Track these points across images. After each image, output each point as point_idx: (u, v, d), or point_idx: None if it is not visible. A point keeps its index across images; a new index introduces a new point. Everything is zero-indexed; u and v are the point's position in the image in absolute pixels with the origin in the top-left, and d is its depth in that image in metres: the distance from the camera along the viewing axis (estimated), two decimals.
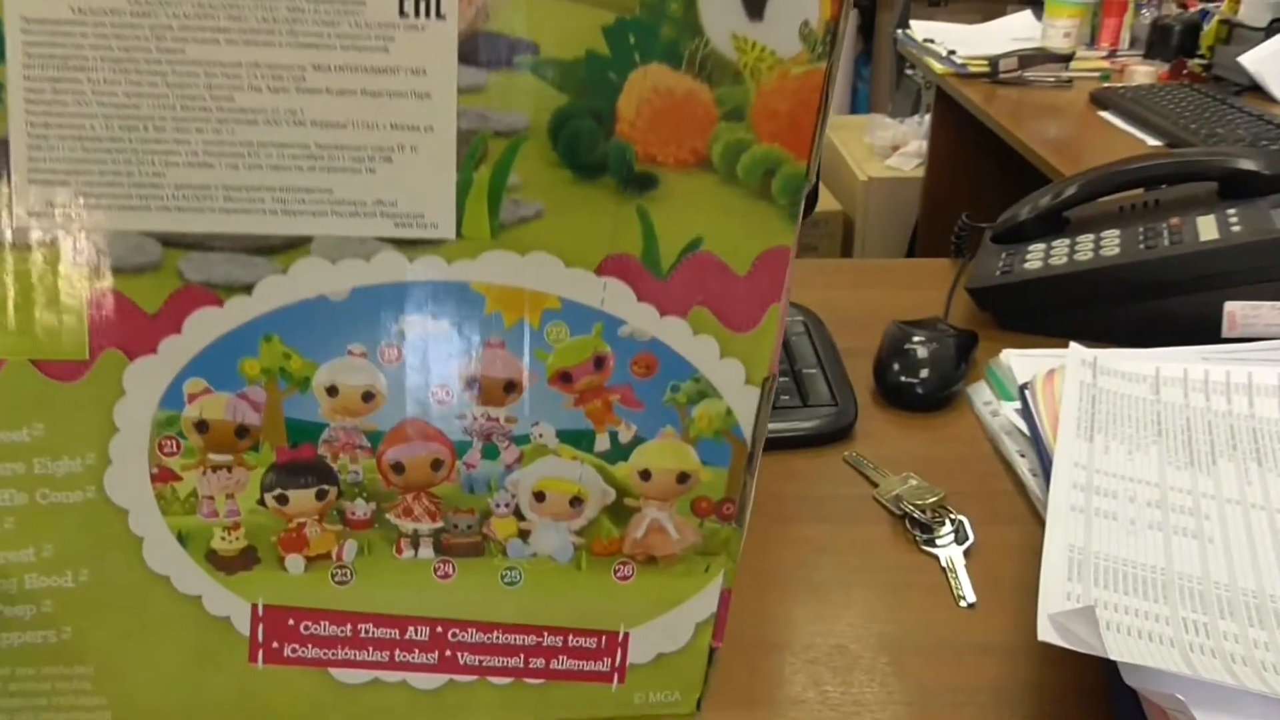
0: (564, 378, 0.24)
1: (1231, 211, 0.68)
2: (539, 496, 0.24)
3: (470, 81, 0.21)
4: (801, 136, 0.22)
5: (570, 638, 0.25)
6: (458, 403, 0.23)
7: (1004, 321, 0.73)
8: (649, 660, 0.26)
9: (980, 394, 0.63)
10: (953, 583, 0.47)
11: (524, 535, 0.25)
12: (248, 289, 0.22)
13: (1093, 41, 1.91)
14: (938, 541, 0.49)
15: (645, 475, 0.24)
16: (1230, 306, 0.65)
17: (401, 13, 0.21)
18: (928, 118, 2.22)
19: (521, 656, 0.25)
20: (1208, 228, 0.67)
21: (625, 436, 0.24)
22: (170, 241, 0.22)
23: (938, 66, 1.87)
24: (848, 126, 2.53)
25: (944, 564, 0.48)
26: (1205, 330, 0.65)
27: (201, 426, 0.23)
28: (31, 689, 0.24)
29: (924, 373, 0.62)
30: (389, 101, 0.21)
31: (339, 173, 0.22)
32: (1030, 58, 1.73)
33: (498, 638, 0.25)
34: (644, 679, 0.26)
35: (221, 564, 0.24)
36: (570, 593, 0.25)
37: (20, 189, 0.21)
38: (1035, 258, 0.72)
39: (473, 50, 0.21)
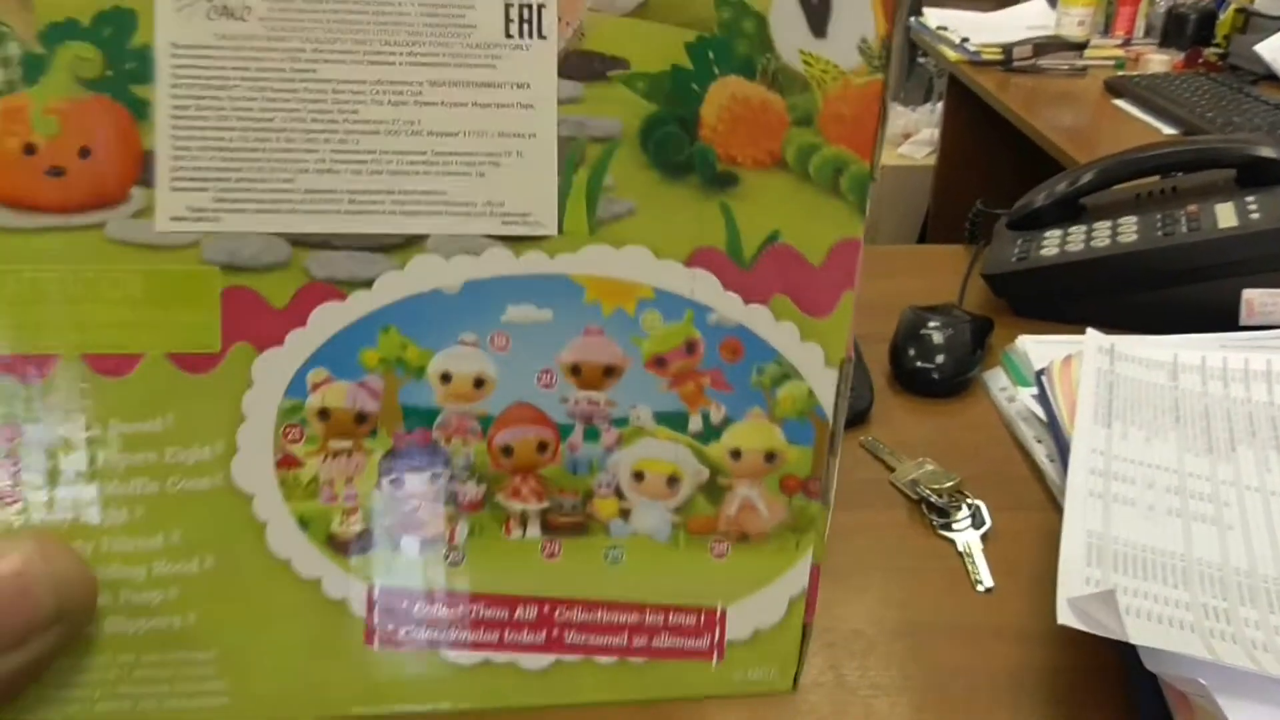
0: (659, 362, 0.25)
1: (1250, 199, 0.67)
2: (638, 476, 0.26)
3: (569, 94, 0.24)
4: (865, 139, 0.24)
5: (671, 615, 0.26)
6: (561, 387, 0.25)
7: (1019, 308, 0.72)
8: (746, 637, 0.26)
9: (996, 380, 0.62)
10: (970, 567, 0.47)
11: (625, 514, 0.26)
12: (368, 284, 0.24)
13: (1107, 30, 1.90)
14: (954, 526, 0.49)
15: (736, 455, 0.26)
16: (1249, 294, 0.65)
17: (508, 35, 0.23)
18: (939, 105, 2.21)
19: (625, 635, 0.26)
20: (1226, 215, 0.67)
21: (716, 417, 0.25)
22: (298, 241, 0.24)
23: (951, 54, 1.86)
24: None
25: (961, 549, 0.48)
26: (1223, 317, 0.65)
27: (323, 414, 0.25)
28: (155, 675, 0.25)
29: (940, 358, 0.62)
30: (496, 112, 0.24)
31: (452, 176, 0.24)
32: (1044, 45, 1.72)
33: (602, 616, 0.26)
34: (742, 656, 0.26)
35: (340, 547, 0.25)
36: (669, 570, 0.26)
37: (163, 196, 0.23)
38: (1051, 244, 0.72)
39: (570, 66, 0.24)
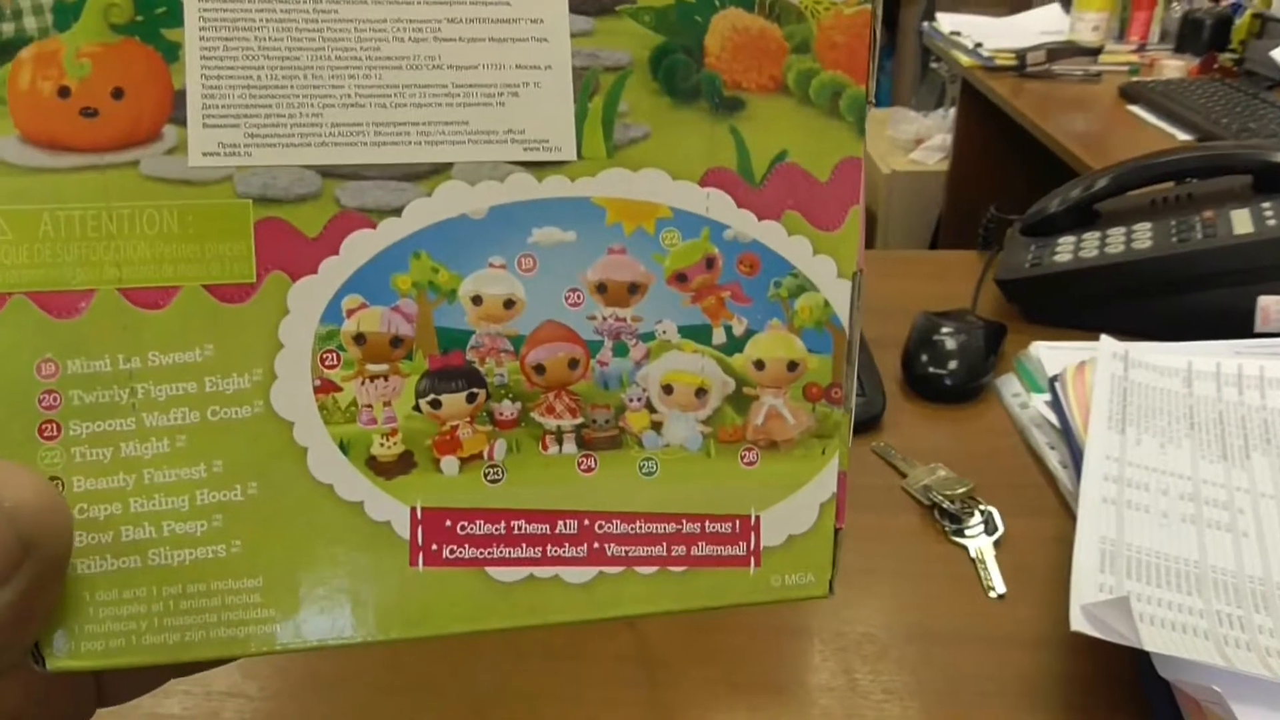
0: (680, 278, 0.26)
1: (1266, 205, 0.67)
2: (667, 389, 0.27)
3: (580, 28, 0.26)
4: (859, 64, 0.26)
5: (707, 524, 0.27)
6: (588, 305, 0.26)
7: (1032, 314, 0.72)
8: (781, 542, 0.27)
9: (1009, 386, 0.62)
10: (982, 573, 0.47)
11: (656, 427, 0.27)
12: (398, 211, 0.25)
13: (1122, 35, 1.89)
14: (967, 532, 0.49)
15: (759, 365, 0.27)
16: (1264, 301, 0.65)
17: None
18: (952, 111, 2.20)
19: (664, 545, 0.27)
20: (1242, 221, 0.66)
21: (738, 330, 0.27)
22: (328, 173, 0.25)
23: (964, 59, 1.85)
24: (870, 120, 2.51)
25: (973, 555, 0.48)
26: (1238, 324, 0.65)
27: (359, 339, 0.25)
28: (202, 605, 0.25)
29: (953, 364, 0.62)
30: (513, 46, 0.25)
31: (473, 107, 0.25)
32: (1058, 51, 1.71)
33: (640, 527, 0.27)
34: (778, 561, 0.27)
35: (381, 469, 0.26)
36: (703, 480, 0.27)
37: (195, 133, 0.24)
38: (1065, 250, 0.72)
39: (580, 1, 0.26)
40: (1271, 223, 0.65)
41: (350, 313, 0.25)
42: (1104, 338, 0.60)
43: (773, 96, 0.26)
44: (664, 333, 0.26)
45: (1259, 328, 0.65)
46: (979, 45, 1.84)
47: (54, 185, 0.24)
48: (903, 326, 0.65)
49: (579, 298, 0.26)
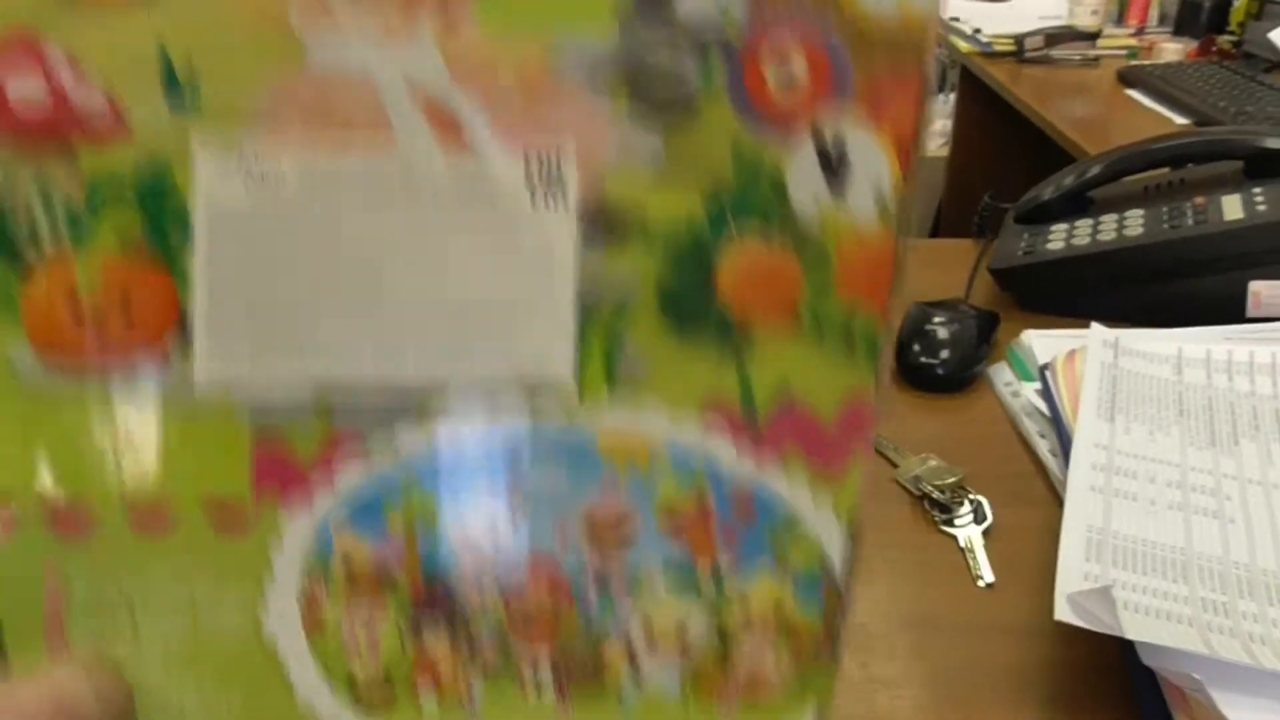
0: (671, 517, 0.25)
1: (1257, 190, 0.67)
2: (649, 632, 0.26)
3: (587, 254, 0.24)
4: (880, 294, 0.24)
5: None
6: (575, 542, 0.25)
7: (1026, 302, 0.72)
8: None
9: (1001, 375, 0.63)
10: (971, 563, 0.47)
11: (636, 671, 0.26)
12: (391, 438, 0.25)
13: (1120, 19, 1.89)
14: (956, 522, 0.49)
15: (746, 612, 0.26)
16: (1255, 286, 0.65)
17: (530, 195, 0.24)
18: (952, 97, 2.20)
19: None
20: (1233, 207, 0.66)
21: (727, 573, 0.26)
22: (325, 394, 0.25)
23: (963, 45, 1.85)
24: None
25: (962, 544, 0.48)
26: (1230, 310, 0.65)
27: (348, 569, 0.25)
28: None
29: (944, 353, 0.62)
30: (516, 271, 0.24)
31: (474, 333, 0.25)
32: (1056, 36, 1.71)
33: None
34: None
35: (363, 700, 0.26)
36: None
37: (199, 349, 0.24)
38: (1058, 238, 0.72)
39: (589, 227, 0.24)
40: (1262, 208, 0.65)
41: (339, 541, 0.25)
42: (1094, 325, 0.60)
43: (783, 330, 0.25)
44: (650, 573, 0.25)
45: (1250, 313, 0.65)
46: (977, 31, 1.83)
47: (62, 398, 0.24)
48: (896, 316, 0.65)
49: (566, 534, 0.25)
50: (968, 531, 0.49)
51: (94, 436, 0.24)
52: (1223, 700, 0.33)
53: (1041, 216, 0.76)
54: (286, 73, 0.23)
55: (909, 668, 0.41)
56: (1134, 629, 0.36)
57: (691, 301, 0.24)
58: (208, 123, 0.23)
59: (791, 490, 0.25)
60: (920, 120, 0.24)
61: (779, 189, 0.24)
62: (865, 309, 0.24)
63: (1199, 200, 0.69)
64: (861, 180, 0.24)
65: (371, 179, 0.24)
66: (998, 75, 1.64)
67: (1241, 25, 1.59)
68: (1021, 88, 1.54)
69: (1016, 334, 0.64)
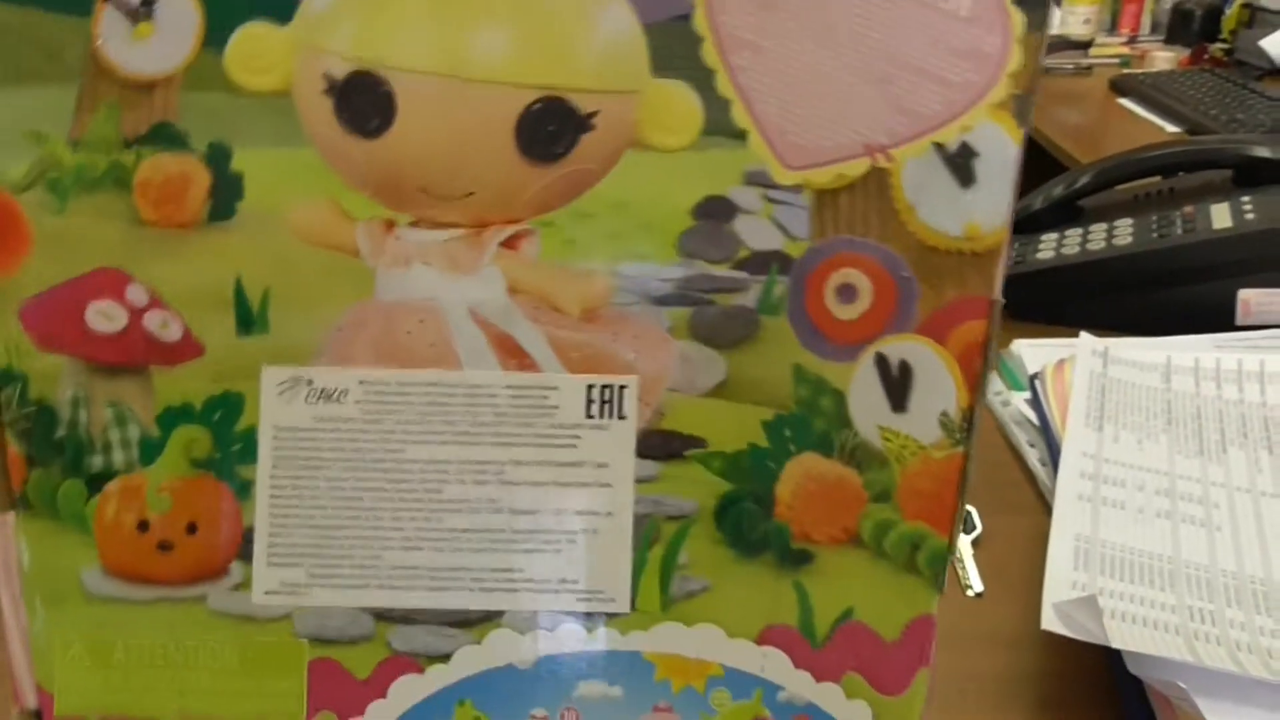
0: None
1: (1246, 199, 0.67)
2: None
3: (646, 472, 0.24)
4: (944, 514, 0.24)
5: None
6: None
7: (1017, 312, 0.72)
8: None
9: (992, 384, 0.63)
10: (960, 571, 0.47)
11: None
12: (446, 658, 0.25)
13: (1113, 27, 1.89)
14: None
15: None
16: (1244, 294, 0.65)
17: (588, 415, 0.24)
18: None
19: None
20: (1221, 215, 0.67)
21: None
22: (382, 616, 0.25)
23: None
24: None
25: None
26: (1220, 318, 0.65)
27: None
28: None
29: None
30: (575, 490, 0.24)
31: (531, 554, 0.24)
32: (1050, 45, 1.71)
33: None
34: None
35: None
36: None
37: (260, 571, 0.25)
38: (1048, 247, 0.72)
39: (649, 445, 0.24)
40: (1250, 217, 0.65)
41: None
42: (1083, 334, 0.60)
43: (844, 548, 0.24)
44: None
45: (1240, 320, 0.65)
46: None
47: (128, 616, 0.24)
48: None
49: None
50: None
51: (156, 653, 0.24)
52: (1208, 708, 0.33)
53: (1032, 226, 0.77)
54: (355, 301, 0.23)
55: None
56: (1120, 638, 0.36)
57: (750, 520, 0.24)
58: (277, 348, 0.23)
59: (852, 710, 0.25)
60: (990, 337, 0.24)
61: (840, 408, 0.23)
62: (930, 528, 0.24)
63: (1188, 209, 0.69)
64: (926, 400, 0.23)
65: (434, 402, 0.24)
66: None
67: (1233, 33, 1.60)
68: None
69: (1006, 343, 0.64)
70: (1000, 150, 0.22)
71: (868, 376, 0.23)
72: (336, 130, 0.22)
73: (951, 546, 0.24)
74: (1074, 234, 0.73)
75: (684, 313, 0.23)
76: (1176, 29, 1.73)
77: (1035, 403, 0.57)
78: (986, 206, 0.23)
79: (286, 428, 0.24)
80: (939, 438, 0.24)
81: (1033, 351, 0.62)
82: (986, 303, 0.24)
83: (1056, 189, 0.77)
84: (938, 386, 0.24)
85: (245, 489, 0.24)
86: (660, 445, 0.24)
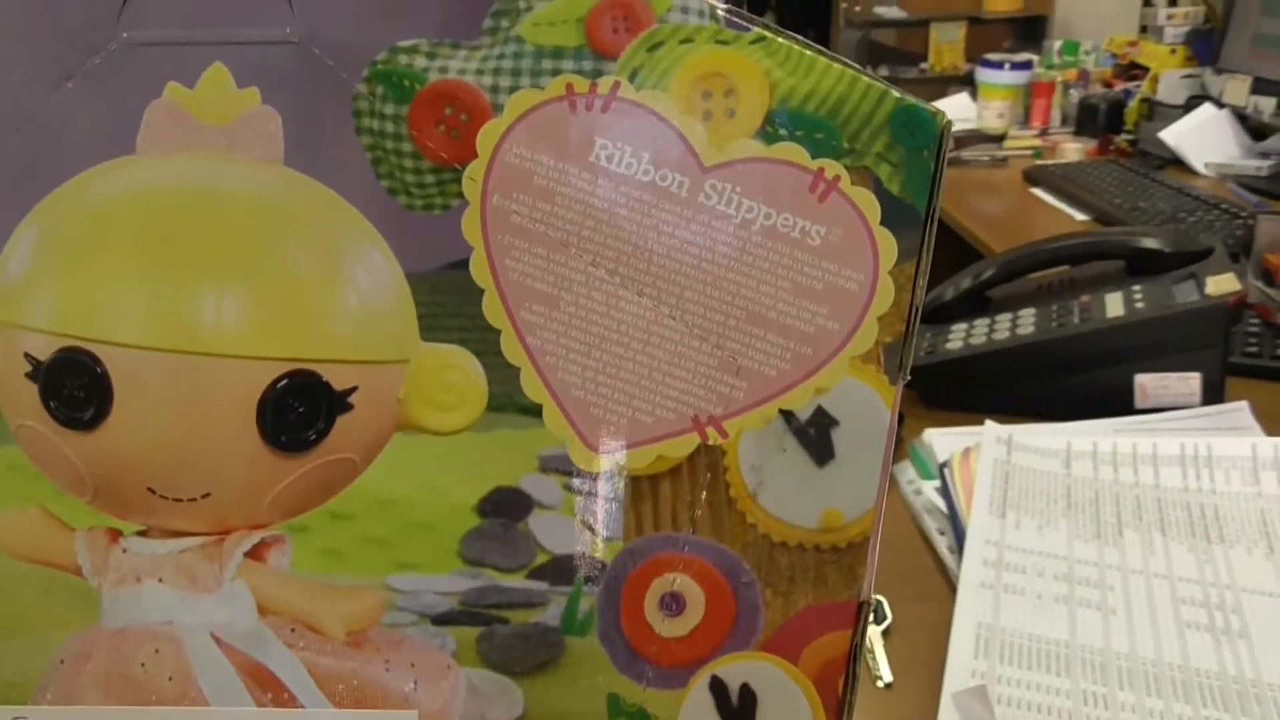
0: None
1: (1136, 288, 0.71)
2: None
3: None
4: None
5: None
6: None
7: (929, 400, 0.75)
8: None
9: (905, 473, 0.64)
10: (870, 663, 0.48)
11: None
12: None
13: (1026, 120, 1.98)
14: None
15: None
16: (1141, 379, 0.68)
17: None
18: None
19: None
20: (1114, 304, 0.70)
21: None
22: None
23: None
24: None
25: None
26: (1120, 402, 0.68)
27: None
28: None
29: None
30: None
31: None
32: (965, 139, 1.79)
33: None
34: None
35: None
36: None
37: None
38: (957, 337, 0.75)
39: None
40: (1140, 305, 0.69)
41: None
42: (988, 423, 0.62)
43: None
44: None
45: (1139, 404, 0.68)
46: None
47: None
48: None
49: None
50: (867, 631, 0.50)
51: None
52: None
53: (943, 316, 0.80)
54: (78, 629, 0.20)
55: None
56: None
57: None
58: None
59: None
60: (857, 644, 0.19)
61: None
62: None
63: (1084, 299, 0.73)
64: None
65: None
66: None
67: (1136, 125, 1.69)
68: None
69: (919, 432, 0.66)
70: (867, 415, 0.18)
71: (701, 706, 0.20)
72: (45, 422, 0.19)
73: None
74: (981, 324, 0.76)
75: (471, 633, 0.20)
76: (1085, 122, 1.82)
77: (944, 491, 0.59)
78: (849, 488, 0.19)
79: None
80: None
81: (943, 440, 0.64)
82: (852, 608, 0.20)
83: (965, 280, 0.80)
84: (790, 716, 0.20)
85: None
86: None
